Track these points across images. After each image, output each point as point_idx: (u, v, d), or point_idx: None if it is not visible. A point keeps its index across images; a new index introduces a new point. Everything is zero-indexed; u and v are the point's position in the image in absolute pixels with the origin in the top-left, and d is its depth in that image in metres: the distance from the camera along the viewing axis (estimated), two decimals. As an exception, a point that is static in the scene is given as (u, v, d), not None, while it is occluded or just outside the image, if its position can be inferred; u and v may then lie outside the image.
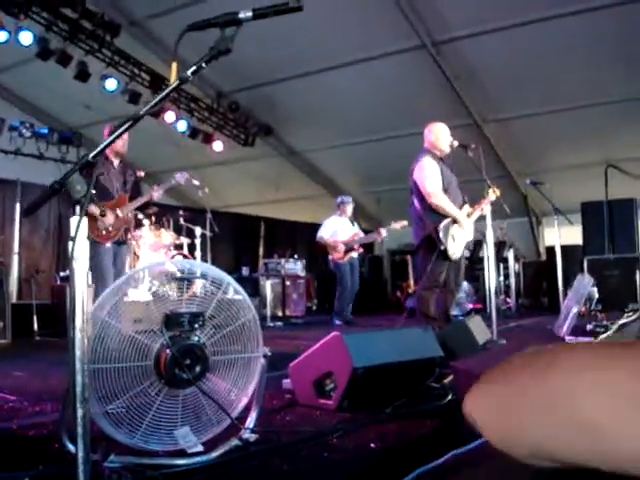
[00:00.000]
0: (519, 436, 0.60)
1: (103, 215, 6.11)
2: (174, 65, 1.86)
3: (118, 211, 6.26)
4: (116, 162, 6.45)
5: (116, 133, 1.81)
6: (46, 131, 10.45)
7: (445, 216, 5.75)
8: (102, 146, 1.77)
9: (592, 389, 0.54)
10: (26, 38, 8.96)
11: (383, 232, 10.09)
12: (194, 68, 1.82)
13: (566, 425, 0.55)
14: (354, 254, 9.84)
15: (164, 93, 1.87)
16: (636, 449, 0.51)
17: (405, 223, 9.76)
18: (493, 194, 6.16)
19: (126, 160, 6.66)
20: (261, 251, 14.96)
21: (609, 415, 0.52)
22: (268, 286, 11.33)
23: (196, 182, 7.53)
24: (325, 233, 9.83)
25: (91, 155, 1.76)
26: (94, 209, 6.01)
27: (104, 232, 6.12)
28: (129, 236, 6.65)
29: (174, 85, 1.84)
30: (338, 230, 9.86)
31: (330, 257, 9.80)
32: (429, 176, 5.77)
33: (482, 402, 0.65)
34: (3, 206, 10.52)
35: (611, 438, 0.52)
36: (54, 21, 9.08)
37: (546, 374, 0.58)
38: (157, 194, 6.48)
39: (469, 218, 6.00)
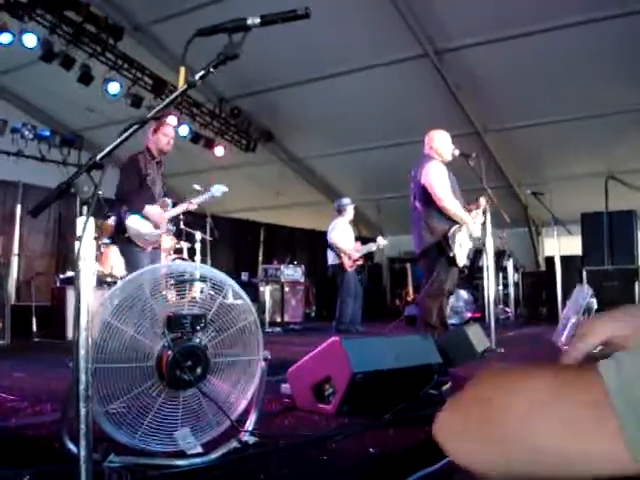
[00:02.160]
0: (486, 462, 0.65)
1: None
2: (182, 70, 1.88)
3: (168, 225, 5.84)
4: (157, 162, 5.83)
5: (123, 136, 1.83)
6: (48, 133, 10.50)
7: (452, 222, 5.73)
8: (110, 147, 1.79)
9: (544, 425, 0.60)
10: (30, 40, 8.99)
11: (377, 242, 10.06)
12: (202, 73, 1.84)
13: (529, 456, 0.61)
14: (359, 263, 9.79)
15: (172, 97, 1.90)
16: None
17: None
18: (485, 203, 6.14)
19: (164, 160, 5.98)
20: (261, 257, 14.97)
21: (561, 442, 0.59)
22: (267, 292, 11.33)
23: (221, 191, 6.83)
24: (337, 237, 9.65)
25: (98, 156, 1.78)
26: (152, 215, 5.63)
27: (147, 237, 5.63)
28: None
29: (182, 89, 1.86)
30: (347, 235, 9.79)
31: (335, 262, 9.70)
32: (440, 180, 5.69)
33: (448, 428, 0.70)
34: (4, 207, 10.54)
35: (565, 459, 0.60)
36: (58, 24, 9.11)
37: (503, 412, 0.64)
38: (192, 207, 6.03)
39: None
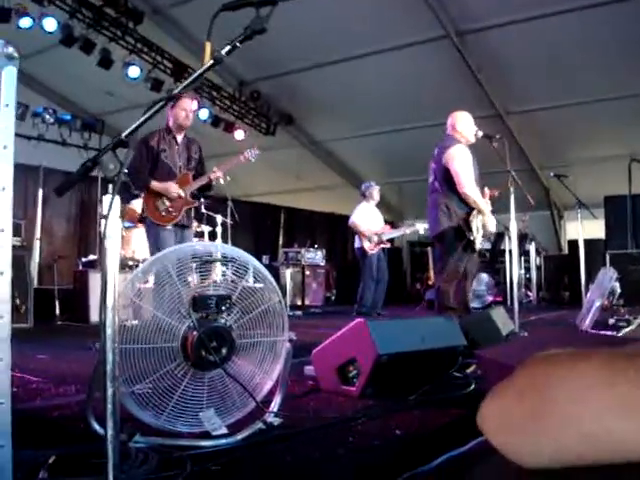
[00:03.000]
0: (534, 452, 0.64)
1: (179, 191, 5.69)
2: (208, 45, 1.85)
3: (180, 190, 5.68)
4: (179, 137, 5.80)
5: (149, 112, 1.81)
6: (69, 118, 10.54)
7: (471, 208, 5.66)
8: (136, 125, 1.77)
9: (600, 407, 0.59)
10: (50, 25, 9.01)
11: (416, 227, 9.91)
12: (228, 48, 1.82)
13: (580, 440, 0.61)
14: (383, 246, 9.71)
15: (199, 72, 1.87)
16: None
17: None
18: (490, 193, 6.07)
19: (190, 135, 6.01)
20: (281, 240, 14.97)
21: (618, 423, 0.58)
22: (288, 275, 11.34)
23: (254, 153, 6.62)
24: (358, 219, 9.65)
25: (124, 134, 1.76)
26: (158, 185, 5.59)
27: (164, 213, 5.61)
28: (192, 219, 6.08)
29: (208, 64, 1.84)
30: (370, 218, 9.71)
31: (359, 245, 9.65)
32: (465, 167, 5.62)
33: (496, 420, 0.68)
34: (26, 192, 10.59)
35: (621, 439, 0.59)
36: (78, 8, 9.12)
37: (555, 397, 0.62)
38: (217, 174, 5.82)
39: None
